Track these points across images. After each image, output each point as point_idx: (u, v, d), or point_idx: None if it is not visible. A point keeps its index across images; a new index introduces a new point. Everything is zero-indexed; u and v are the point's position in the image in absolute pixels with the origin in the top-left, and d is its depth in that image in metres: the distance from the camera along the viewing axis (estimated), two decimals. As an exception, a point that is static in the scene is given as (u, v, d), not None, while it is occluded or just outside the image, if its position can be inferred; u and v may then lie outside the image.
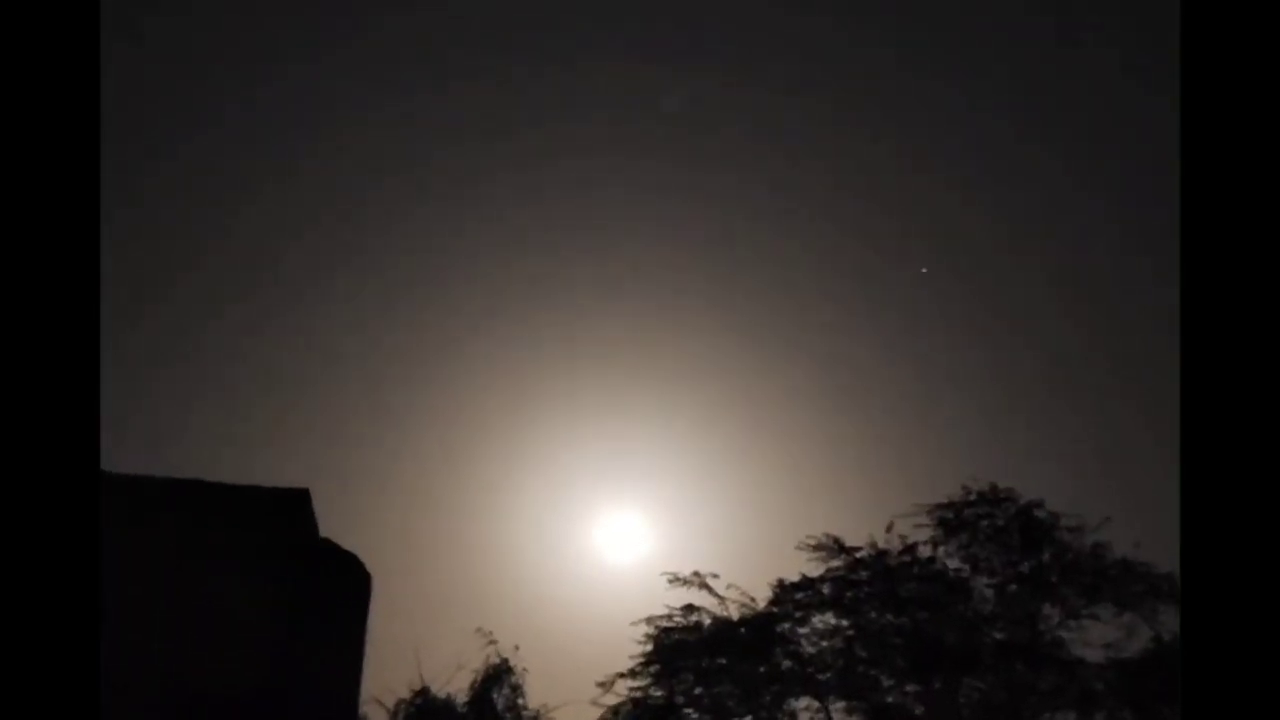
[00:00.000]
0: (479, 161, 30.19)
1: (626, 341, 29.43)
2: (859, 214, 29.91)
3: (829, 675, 19.04)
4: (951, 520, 18.74)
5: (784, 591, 19.38)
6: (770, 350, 30.13)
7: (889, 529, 19.08)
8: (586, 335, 29.28)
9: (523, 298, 29.88)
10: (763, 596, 19.82)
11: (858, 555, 19.28)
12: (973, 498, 18.84)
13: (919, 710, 18.59)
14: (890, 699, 18.61)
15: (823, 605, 19.07)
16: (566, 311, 29.52)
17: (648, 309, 30.05)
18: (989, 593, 18.32)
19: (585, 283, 29.53)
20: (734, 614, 19.60)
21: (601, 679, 19.76)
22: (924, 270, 26.75)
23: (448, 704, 19.22)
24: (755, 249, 30.36)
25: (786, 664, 19.25)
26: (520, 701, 18.98)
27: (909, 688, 18.51)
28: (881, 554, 19.15)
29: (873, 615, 18.79)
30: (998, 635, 18.24)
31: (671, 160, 29.42)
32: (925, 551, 18.96)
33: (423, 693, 18.91)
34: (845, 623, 18.97)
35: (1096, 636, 17.90)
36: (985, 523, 18.62)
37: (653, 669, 19.59)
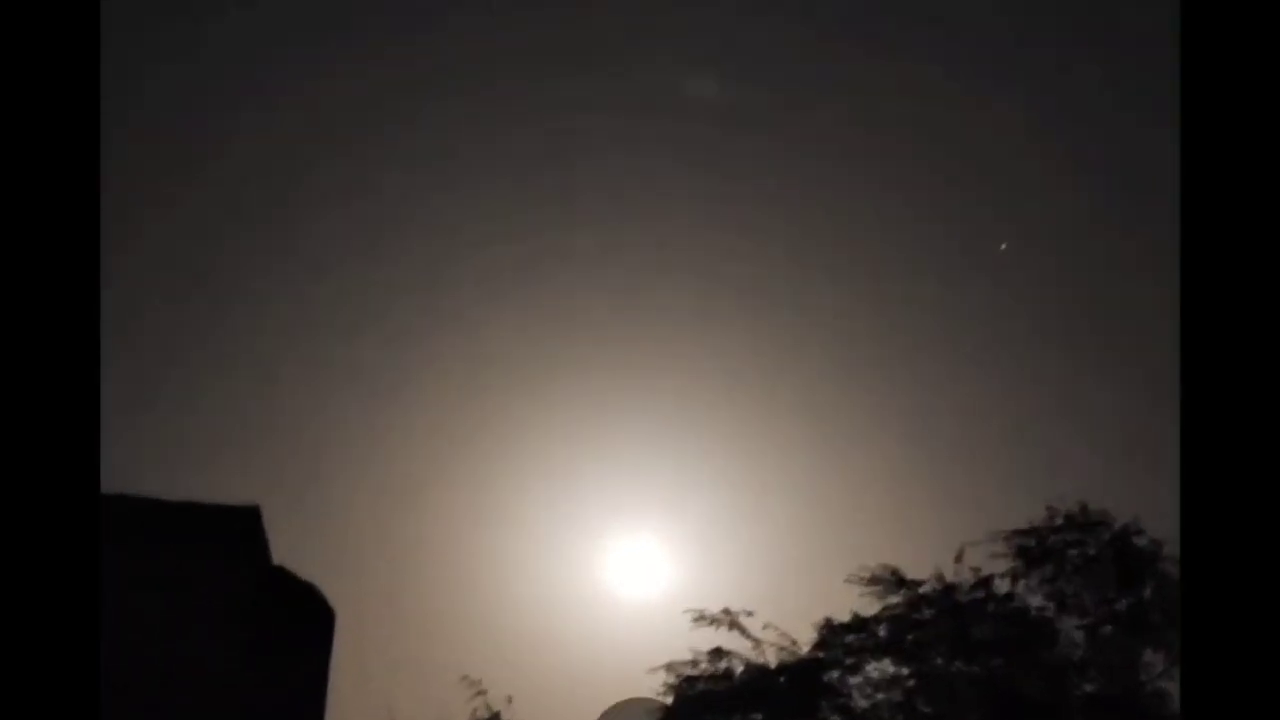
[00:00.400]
0: (474, 149, 31.50)
1: (649, 343, 30.37)
2: (908, 214, 31.31)
3: (886, 734, 19.76)
4: (1033, 548, 18.72)
5: (831, 633, 19.23)
6: (814, 355, 30.90)
7: (958, 558, 18.93)
8: (597, 335, 30.23)
9: (525, 282, 30.91)
10: (806, 639, 19.44)
11: (920, 590, 19.05)
12: (1059, 521, 18.80)
13: (995, 776, 19.08)
14: (960, 763, 19.22)
15: (878, 650, 19.00)
16: (567, 293, 30.48)
17: (676, 308, 31.08)
18: (1079, 635, 18.38)
19: (607, 274, 30.58)
20: (771, 660, 19.35)
21: (612, 737, 20.46)
22: (1003, 247, 27.77)
23: (426, 766, 21.18)
24: (791, 247, 31.52)
25: (834, 720, 20.06)
26: (513, 763, 19.56)
27: (983, 749, 19.16)
28: (949, 589, 18.97)
29: (939, 662, 18.77)
30: (1089, 687, 18.23)
31: (711, 158, 31.13)
32: (1002, 586, 18.78)
33: (396, 752, 19.41)
34: (905, 671, 18.88)
35: (1208, 689, 19.76)
36: (1074, 551, 18.64)
37: (674, 725, 20.21)
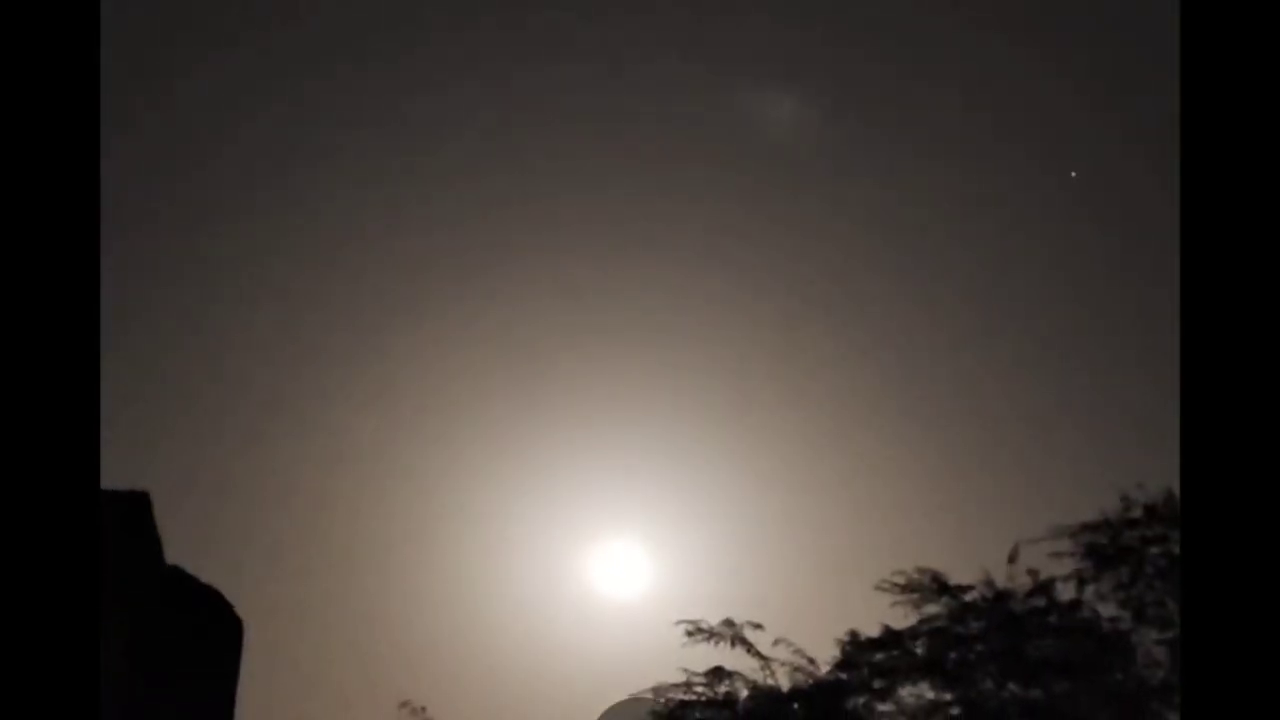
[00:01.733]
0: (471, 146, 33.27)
1: (651, 319, 31.52)
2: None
3: (924, 775, 18.49)
4: (1105, 547, 19.21)
5: (857, 650, 19.92)
6: (834, 338, 32.15)
7: (1012, 559, 19.49)
8: (594, 319, 31.35)
9: (512, 272, 32.19)
10: (825, 657, 20.11)
11: (966, 598, 19.65)
12: (1136, 514, 19.21)
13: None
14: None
15: (914, 670, 19.70)
16: (560, 285, 31.83)
17: (682, 290, 32.31)
18: (1161, 652, 18.89)
19: (604, 262, 32.04)
20: (783, 682, 20.05)
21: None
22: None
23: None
24: (808, 243, 33.19)
25: (861, 757, 18.71)
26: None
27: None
28: (1001, 596, 19.48)
29: (989, 686, 19.32)
30: (1173, 716, 18.44)
31: (723, 157, 32.98)
32: (1066, 592, 19.35)
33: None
34: (948, 696, 19.50)
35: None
36: (1155, 550, 19.04)
37: (664, 764, 19.02)
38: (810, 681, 20.15)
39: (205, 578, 18.52)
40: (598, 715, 21.55)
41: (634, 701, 20.25)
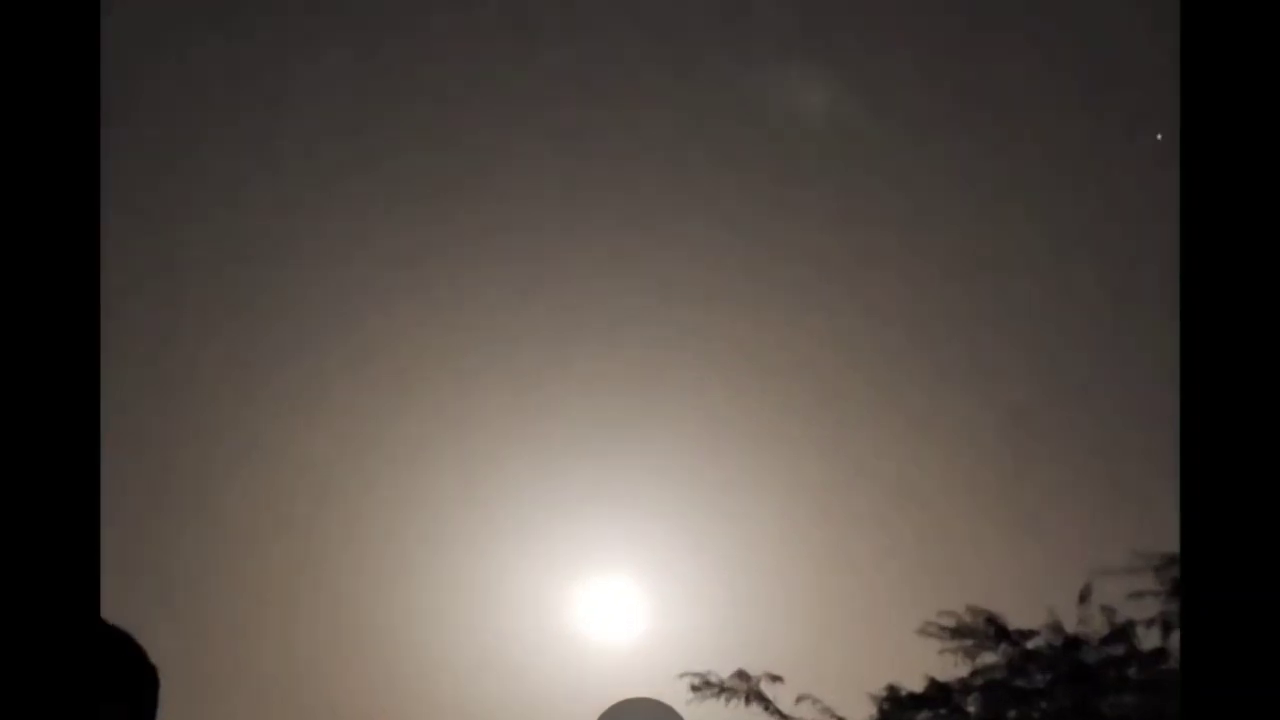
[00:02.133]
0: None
1: (653, 321, 31.24)
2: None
3: None
4: None
5: (897, 708, 19.78)
6: (874, 343, 32.00)
7: (1083, 599, 19.44)
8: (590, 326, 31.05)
9: (505, 275, 32.20)
10: (860, 716, 20.05)
11: (1028, 645, 19.58)
12: None
13: None
14: None
15: None
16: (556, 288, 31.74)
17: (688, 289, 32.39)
18: None
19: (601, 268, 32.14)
20: None
21: None
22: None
23: None
24: (812, 248, 33.50)
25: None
26: None
27: None
28: (1072, 643, 19.35)
29: None
30: None
31: (723, 169, 33.50)
32: (1149, 639, 19.20)
33: None
34: None
35: None
36: None
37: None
38: (842, 745, 17.72)
39: (112, 618, 17.83)
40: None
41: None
